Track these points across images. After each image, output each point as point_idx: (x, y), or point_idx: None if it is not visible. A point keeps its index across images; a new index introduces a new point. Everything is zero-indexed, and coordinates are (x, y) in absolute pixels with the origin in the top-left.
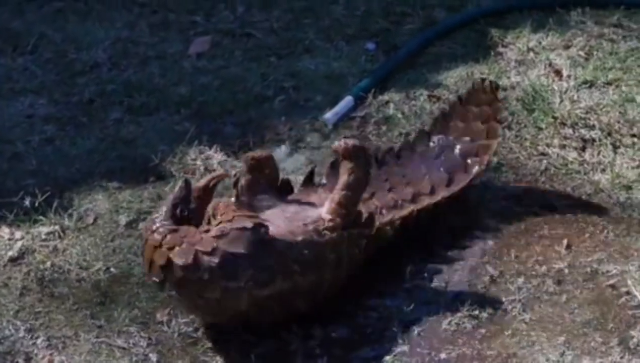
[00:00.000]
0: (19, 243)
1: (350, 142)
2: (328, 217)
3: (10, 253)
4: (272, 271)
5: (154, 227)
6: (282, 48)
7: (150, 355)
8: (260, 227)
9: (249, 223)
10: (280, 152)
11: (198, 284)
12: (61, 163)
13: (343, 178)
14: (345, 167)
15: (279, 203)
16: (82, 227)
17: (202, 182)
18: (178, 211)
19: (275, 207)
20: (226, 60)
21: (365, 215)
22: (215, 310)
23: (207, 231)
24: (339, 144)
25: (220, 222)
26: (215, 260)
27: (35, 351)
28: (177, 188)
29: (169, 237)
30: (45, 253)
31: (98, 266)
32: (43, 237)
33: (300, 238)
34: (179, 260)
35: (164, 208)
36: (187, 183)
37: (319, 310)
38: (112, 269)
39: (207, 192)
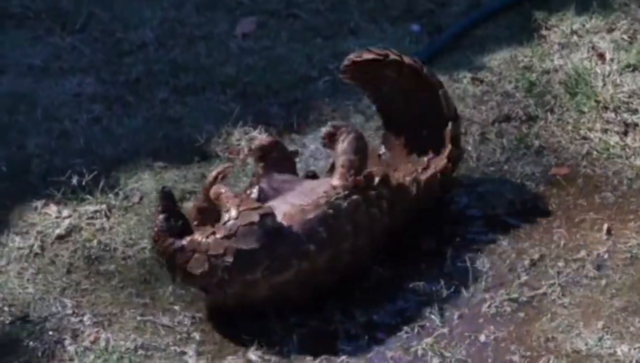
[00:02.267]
0: (67, 222)
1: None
2: (337, 182)
3: (57, 231)
4: (286, 257)
5: (163, 247)
6: (327, 29)
7: (194, 333)
8: (267, 217)
9: (256, 217)
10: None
11: (220, 284)
12: (108, 142)
13: (339, 145)
14: (338, 140)
15: (296, 181)
16: (128, 206)
17: (210, 178)
18: (172, 224)
19: (293, 185)
20: (272, 40)
21: (378, 176)
22: (240, 300)
23: (214, 233)
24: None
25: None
26: (230, 259)
27: (82, 328)
28: (160, 202)
29: (178, 256)
30: (92, 232)
31: (143, 244)
32: (90, 215)
33: (312, 215)
34: (196, 271)
35: (159, 222)
36: (165, 193)
37: (361, 294)
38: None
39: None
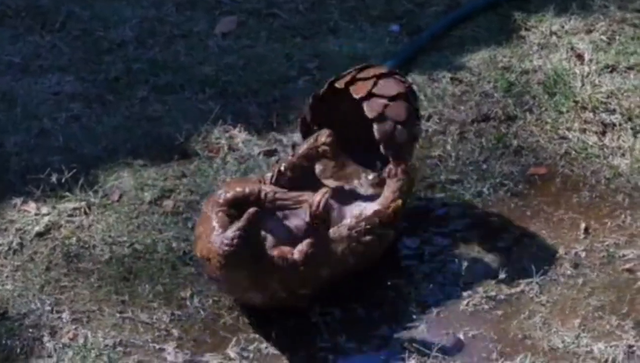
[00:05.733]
0: (46, 219)
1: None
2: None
3: (36, 228)
4: None
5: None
6: (306, 28)
7: (173, 330)
8: None
9: None
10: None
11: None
12: (87, 140)
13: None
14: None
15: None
16: (107, 203)
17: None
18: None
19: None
20: (251, 40)
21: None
22: None
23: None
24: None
25: None
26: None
27: (60, 325)
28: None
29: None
30: (71, 229)
31: (122, 242)
32: (69, 212)
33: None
34: None
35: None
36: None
37: (340, 291)
38: (136, 245)
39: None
